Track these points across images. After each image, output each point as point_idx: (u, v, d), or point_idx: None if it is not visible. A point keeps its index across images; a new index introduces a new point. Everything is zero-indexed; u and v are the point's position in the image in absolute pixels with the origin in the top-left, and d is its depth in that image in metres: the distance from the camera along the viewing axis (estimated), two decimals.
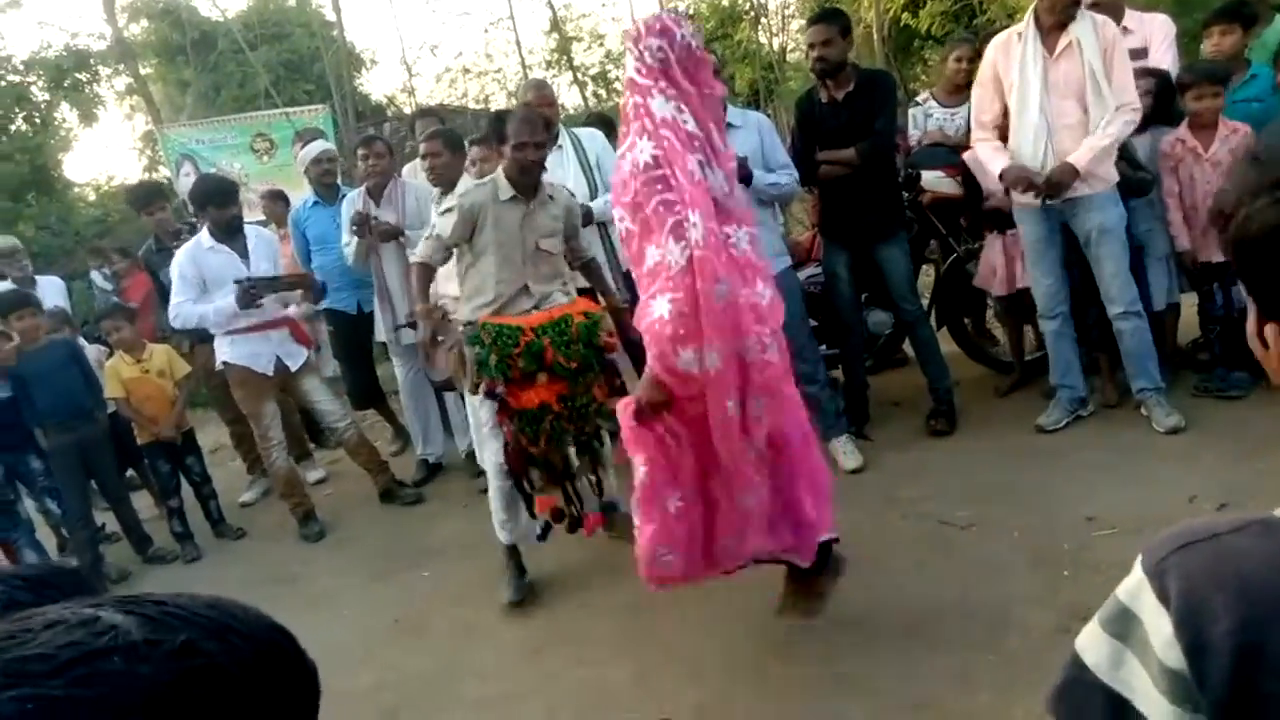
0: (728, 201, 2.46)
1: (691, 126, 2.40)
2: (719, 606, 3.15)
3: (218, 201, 4.59)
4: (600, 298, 3.75)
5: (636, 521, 2.61)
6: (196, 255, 4.55)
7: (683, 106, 2.40)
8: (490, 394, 3.35)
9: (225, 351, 4.64)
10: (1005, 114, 4.00)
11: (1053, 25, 3.80)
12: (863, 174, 4.13)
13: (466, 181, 4.31)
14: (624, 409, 2.54)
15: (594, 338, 3.37)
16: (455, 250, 3.48)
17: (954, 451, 4.18)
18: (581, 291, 3.75)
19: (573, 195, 3.66)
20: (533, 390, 3.33)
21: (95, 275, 6.80)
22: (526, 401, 3.33)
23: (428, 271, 3.57)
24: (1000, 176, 3.94)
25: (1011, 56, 3.91)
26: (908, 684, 2.61)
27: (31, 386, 4.55)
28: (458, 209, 3.37)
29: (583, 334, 3.35)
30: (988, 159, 4.03)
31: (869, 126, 4.10)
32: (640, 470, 2.55)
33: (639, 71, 2.44)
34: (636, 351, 4.49)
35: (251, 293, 4.45)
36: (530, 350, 3.29)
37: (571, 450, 3.48)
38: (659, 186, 2.32)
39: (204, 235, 4.62)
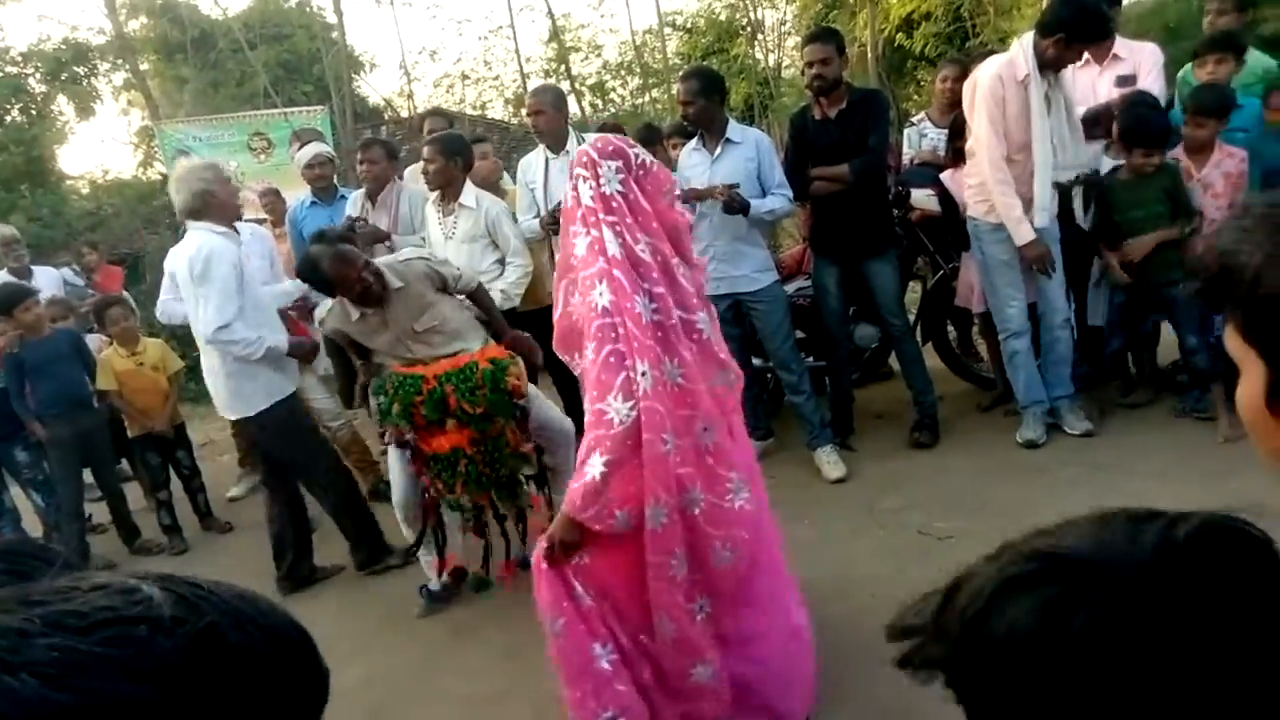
0: (687, 314, 2.38)
1: (646, 255, 2.33)
2: None
3: None
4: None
5: (564, 686, 2.43)
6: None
7: (638, 236, 2.34)
8: (400, 442, 3.38)
9: None
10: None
11: (1050, 67, 3.91)
12: (854, 191, 4.21)
13: (470, 189, 4.38)
14: (536, 552, 2.45)
15: (500, 383, 3.33)
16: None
17: (935, 464, 4.26)
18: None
19: (419, 258, 3.60)
20: (443, 435, 3.32)
21: (66, 271, 6.79)
22: (437, 446, 3.34)
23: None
24: (1026, 248, 4.01)
25: (1014, 93, 3.95)
26: (885, 691, 2.67)
27: (33, 377, 4.59)
28: (330, 336, 3.68)
29: (487, 380, 3.31)
30: (1010, 209, 4.01)
31: (861, 144, 4.18)
32: (556, 624, 2.39)
33: (593, 199, 2.36)
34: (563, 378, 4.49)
35: None
36: (432, 398, 3.27)
37: (493, 493, 3.49)
38: (612, 335, 2.26)
39: None
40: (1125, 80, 4.37)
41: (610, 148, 2.42)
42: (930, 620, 0.65)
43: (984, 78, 4.00)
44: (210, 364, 3.95)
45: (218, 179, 3.89)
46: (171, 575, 0.55)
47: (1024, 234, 3.99)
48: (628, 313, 2.25)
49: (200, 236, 3.79)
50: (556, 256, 4.29)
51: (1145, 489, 3.63)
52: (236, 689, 0.51)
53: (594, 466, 2.25)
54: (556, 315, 2.47)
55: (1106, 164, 4.28)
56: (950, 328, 5.12)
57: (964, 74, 4.85)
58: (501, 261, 4.37)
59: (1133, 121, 4.06)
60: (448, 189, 4.33)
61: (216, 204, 3.82)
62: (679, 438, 2.29)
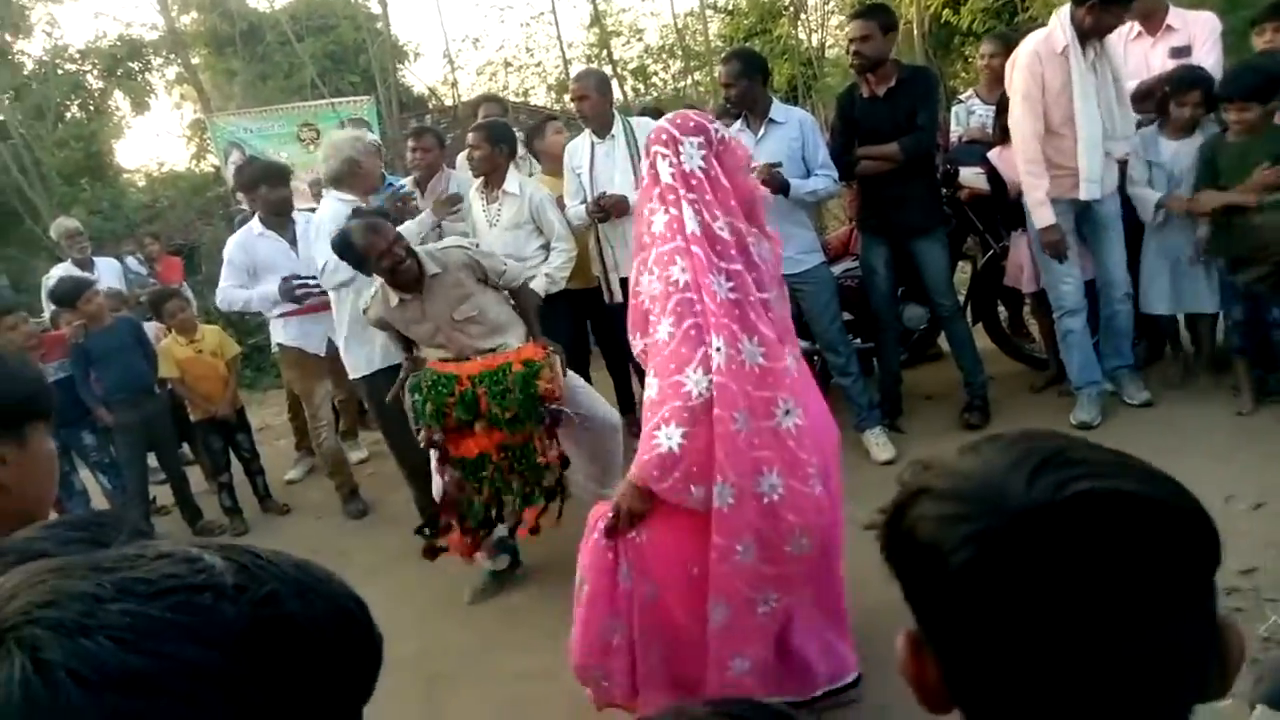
0: (762, 293, 2.38)
1: (725, 233, 2.32)
2: None
3: (271, 181, 4.78)
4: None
5: (575, 625, 2.52)
6: (247, 242, 4.71)
7: (716, 213, 2.33)
8: (430, 443, 3.38)
9: (279, 334, 4.83)
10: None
11: (1090, 36, 3.85)
12: (903, 169, 4.16)
13: (514, 176, 4.41)
14: (594, 518, 2.47)
15: (531, 387, 3.31)
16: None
17: None
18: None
19: (458, 247, 3.60)
20: (471, 440, 3.34)
21: (130, 260, 7.07)
22: (465, 450, 3.36)
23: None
24: (1042, 232, 4.00)
25: (1055, 67, 3.90)
26: None
27: (98, 365, 4.76)
28: (374, 325, 3.65)
29: (518, 383, 3.30)
30: (1034, 190, 4.00)
31: (910, 122, 4.13)
32: (583, 588, 2.46)
33: (673, 176, 2.36)
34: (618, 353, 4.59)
35: (293, 292, 4.60)
36: (464, 399, 3.28)
37: (517, 502, 3.46)
38: (692, 310, 2.26)
39: (255, 222, 4.77)
40: (1179, 52, 4.26)
41: (691, 124, 2.42)
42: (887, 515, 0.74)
43: (1021, 54, 3.99)
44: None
45: (366, 151, 4.13)
46: (232, 545, 0.57)
47: (1042, 218, 3.97)
48: (705, 289, 2.25)
49: (329, 204, 4.07)
50: (603, 239, 4.40)
51: (1203, 470, 3.56)
52: (296, 654, 0.53)
53: (670, 438, 2.24)
54: (639, 288, 2.44)
55: (1164, 146, 4.13)
56: (1001, 307, 5.05)
57: (1007, 50, 4.77)
58: (546, 247, 4.40)
59: (1234, 73, 3.93)
60: (492, 176, 4.36)
61: (360, 174, 4.09)
62: (755, 419, 2.27)
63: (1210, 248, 4.01)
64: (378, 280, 3.51)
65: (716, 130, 2.43)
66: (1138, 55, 4.37)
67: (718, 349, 2.23)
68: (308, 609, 0.54)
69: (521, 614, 3.59)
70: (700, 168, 2.36)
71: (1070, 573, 0.60)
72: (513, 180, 4.37)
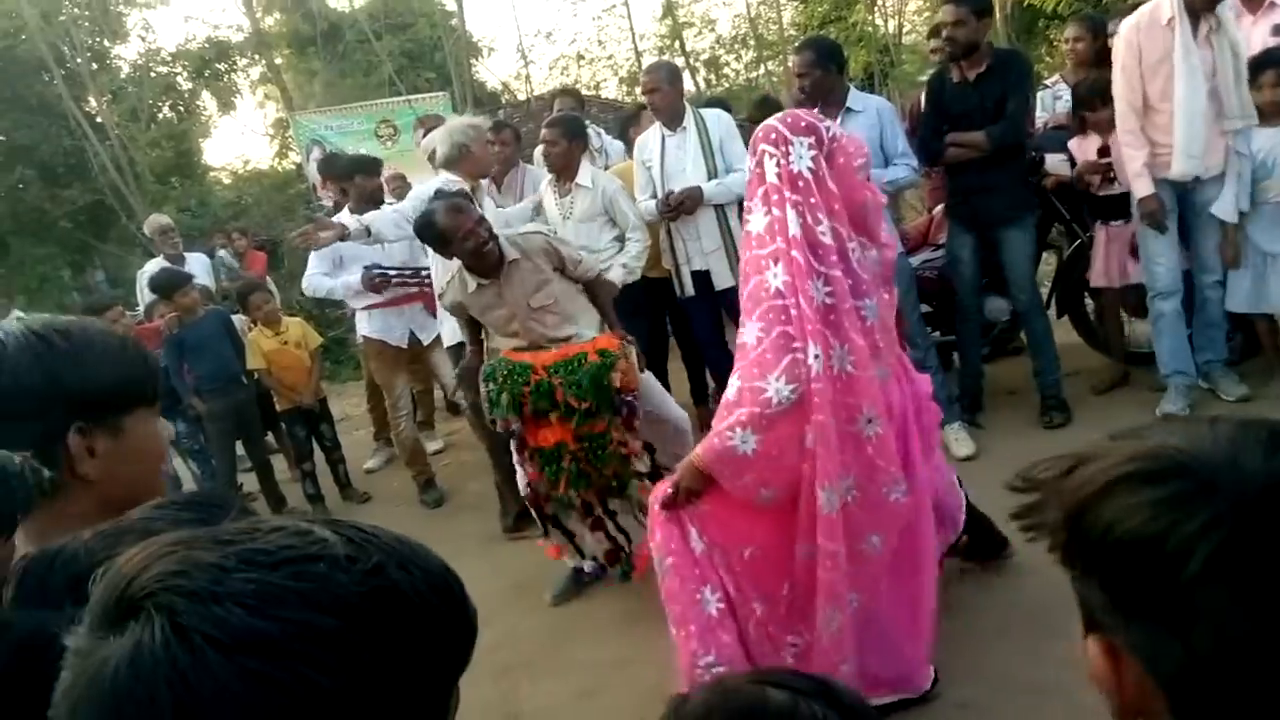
0: (857, 300, 2.34)
1: (827, 237, 2.29)
2: None
3: (366, 171, 4.99)
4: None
5: (671, 626, 2.47)
6: None
7: (819, 216, 2.29)
8: (507, 431, 3.35)
9: (363, 326, 4.98)
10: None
11: (1205, 6, 3.70)
12: (991, 157, 4.05)
13: (586, 168, 4.43)
14: (655, 494, 2.50)
15: (604, 378, 3.24)
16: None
17: (1069, 441, 4.03)
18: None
19: (538, 232, 3.60)
20: (548, 429, 3.29)
21: (222, 254, 7.42)
22: (543, 440, 3.31)
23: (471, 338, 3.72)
24: (1141, 201, 3.91)
25: (1155, 38, 3.79)
26: (1016, 665, 2.60)
27: (191, 355, 4.96)
28: (450, 311, 3.63)
29: (591, 374, 3.24)
30: (1132, 160, 3.92)
31: (1000, 109, 4.01)
32: (665, 563, 2.45)
33: (779, 176, 2.33)
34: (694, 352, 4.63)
35: (375, 281, 4.74)
36: (540, 389, 3.23)
37: (588, 492, 3.42)
38: (783, 316, 2.26)
39: (344, 213, 4.90)
40: None
41: (803, 124, 2.38)
42: (1050, 483, 0.67)
43: (1123, 26, 3.92)
44: None
45: (477, 138, 4.22)
46: (337, 519, 0.60)
47: (1140, 187, 3.91)
48: (802, 293, 2.24)
49: (437, 181, 4.16)
50: (674, 233, 4.39)
51: None
52: (403, 621, 0.56)
53: (746, 442, 2.26)
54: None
55: (1254, 134, 3.86)
56: (1088, 299, 4.88)
57: (1093, 33, 4.61)
58: (619, 239, 4.41)
59: None
60: (565, 170, 4.39)
61: (470, 158, 4.18)
62: (840, 424, 2.28)
63: None
64: (454, 264, 3.53)
65: (829, 130, 2.39)
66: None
67: (815, 356, 2.23)
68: (411, 579, 0.57)
69: (594, 604, 3.61)
70: (809, 169, 2.33)
71: None
72: (585, 173, 4.39)
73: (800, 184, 2.31)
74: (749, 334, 2.29)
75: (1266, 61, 3.81)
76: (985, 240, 4.25)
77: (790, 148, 2.33)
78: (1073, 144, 4.32)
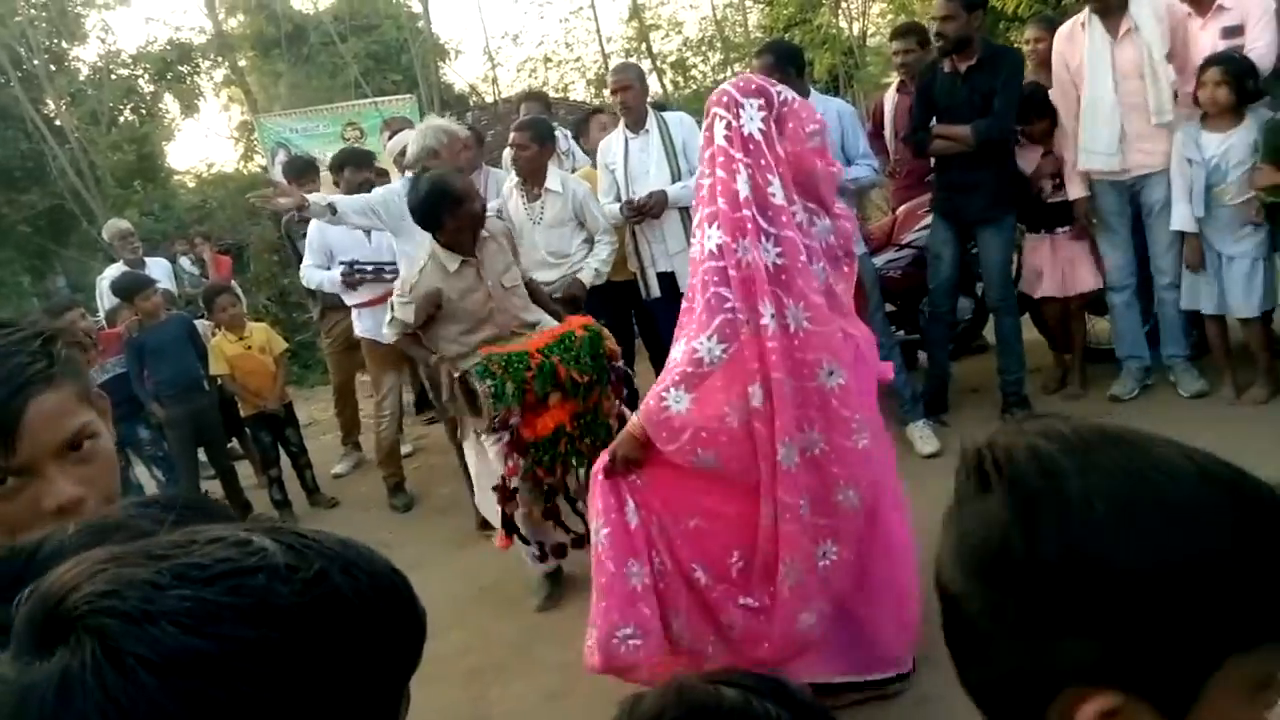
0: (813, 262, 2.37)
1: (778, 198, 2.31)
2: None
3: (355, 164, 5.03)
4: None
5: (594, 595, 2.49)
6: (323, 226, 4.84)
7: (769, 178, 2.31)
8: (504, 425, 3.24)
9: (358, 324, 4.99)
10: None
11: (1113, 8, 3.93)
12: (977, 154, 4.08)
13: (554, 172, 4.43)
14: (596, 468, 2.52)
15: (599, 347, 3.35)
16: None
17: None
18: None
19: (497, 216, 3.72)
20: (546, 415, 3.29)
21: (183, 260, 7.32)
22: (541, 429, 3.28)
23: (413, 339, 3.62)
24: (1074, 203, 4.19)
25: (1076, 43, 4.05)
26: None
27: (151, 359, 4.89)
28: (415, 301, 3.43)
29: (586, 345, 3.32)
30: (1067, 166, 4.21)
31: (988, 103, 4.04)
32: (600, 532, 2.46)
33: (727, 139, 2.34)
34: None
35: (351, 278, 4.74)
36: (543, 371, 3.22)
37: (581, 472, 3.40)
38: (716, 278, 2.30)
39: (313, 196, 4.87)
40: (1231, 32, 4.13)
41: (753, 86, 2.40)
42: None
43: (1055, 39, 4.22)
44: None
45: (449, 145, 4.12)
46: (279, 525, 0.59)
47: (1074, 190, 4.18)
48: (755, 253, 2.26)
49: (404, 180, 4.18)
50: (639, 235, 4.40)
51: (1259, 451, 3.46)
52: (347, 628, 0.54)
53: (679, 401, 2.30)
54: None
55: (1205, 140, 3.92)
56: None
57: (1052, 33, 4.69)
58: (589, 241, 4.42)
59: None
60: (534, 174, 4.38)
61: (438, 164, 4.07)
62: (799, 381, 2.30)
63: (1273, 238, 3.87)
64: (422, 255, 3.50)
65: (780, 94, 2.40)
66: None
67: (772, 315, 2.26)
68: (356, 584, 0.56)
69: (564, 606, 3.61)
70: (760, 130, 2.34)
71: None
72: (554, 177, 4.38)
73: (751, 146, 2.33)
74: (690, 296, 2.34)
75: (1210, 61, 3.88)
76: (964, 238, 4.32)
77: (741, 110, 2.35)
78: (1018, 155, 4.36)
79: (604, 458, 2.50)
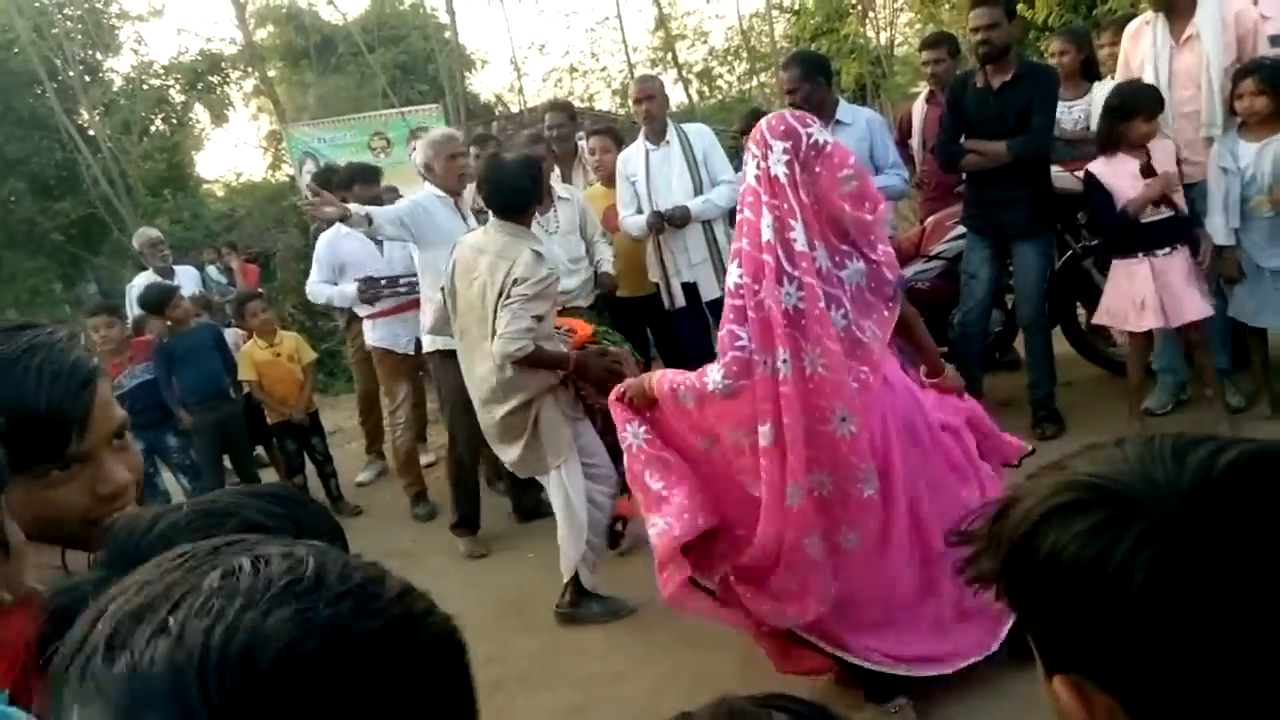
0: (834, 309, 2.41)
1: (800, 243, 2.33)
2: None
3: (364, 180, 5.02)
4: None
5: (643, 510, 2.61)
6: (334, 241, 4.88)
7: (792, 221, 2.34)
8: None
9: (369, 334, 4.99)
10: None
11: (1180, 11, 3.78)
12: (1011, 168, 4.00)
13: (557, 181, 4.48)
14: (612, 394, 2.69)
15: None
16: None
17: (1065, 451, 4.06)
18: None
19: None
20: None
21: (210, 269, 7.39)
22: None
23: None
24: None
25: (1139, 42, 3.95)
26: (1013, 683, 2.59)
27: (179, 367, 4.93)
28: (550, 295, 3.29)
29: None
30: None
31: (1021, 121, 3.98)
32: (639, 431, 2.60)
33: (758, 179, 2.40)
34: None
35: (368, 291, 4.75)
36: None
37: None
38: (732, 316, 2.41)
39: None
40: (1278, 40, 4.06)
41: (781, 128, 2.42)
42: (985, 533, 0.69)
43: (1124, 34, 4.14)
44: None
45: (436, 156, 4.25)
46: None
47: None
48: (771, 298, 2.33)
49: (426, 189, 4.29)
50: (663, 246, 4.40)
51: None
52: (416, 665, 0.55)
53: (686, 399, 2.49)
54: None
55: (1242, 149, 3.78)
56: (1080, 309, 4.88)
57: (1078, 45, 4.65)
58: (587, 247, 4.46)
59: None
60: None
61: (433, 176, 4.26)
62: (812, 424, 2.36)
63: None
64: (510, 247, 3.25)
65: (809, 136, 2.41)
66: None
67: (784, 360, 2.32)
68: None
69: (586, 622, 3.58)
70: (784, 173, 2.36)
71: (1261, 544, 0.56)
72: (561, 186, 4.45)
73: (775, 188, 2.37)
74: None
75: (1248, 70, 3.77)
76: (1002, 255, 4.24)
77: (769, 150, 2.38)
78: (1098, 165, 3.89)
79: (617, 390, 2.65)
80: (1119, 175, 3.83)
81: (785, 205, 2.34)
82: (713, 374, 2.41)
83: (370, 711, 0.50)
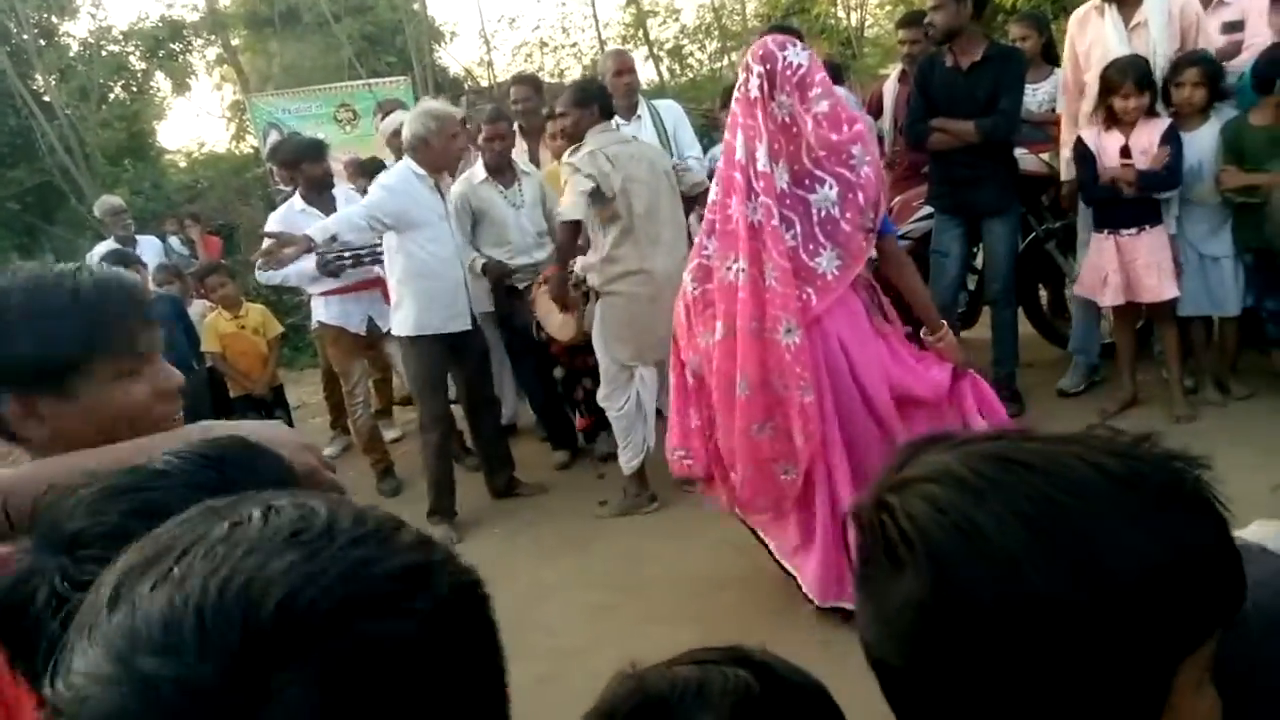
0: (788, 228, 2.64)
1: (762, 163, 2.54)
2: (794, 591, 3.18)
3: (311, 157, 4.84)
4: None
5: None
6: (288, 217, 4.75)
7: (758, 142, 2.54)
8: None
9: (320, 312, 4.88)
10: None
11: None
12: (982, 147, 4.06)
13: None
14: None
15: None
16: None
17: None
18: None
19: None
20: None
21: (172, 240, 7.23)
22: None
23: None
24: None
25: (1086, 27, 4.03)
26: None
27: None
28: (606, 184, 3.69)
29: None
30: (1063, 144, 4.22)
31: (988, 103, 4.02)
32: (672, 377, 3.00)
33: (738, 101, 2.61)
34: None
35: (331, 265, 4.61)
36: None
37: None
38: (705, 229, 2.75)
39: (296, 198, 4.82)
40: (1232, 27, 4.13)
41: (760, 51, 2.58)
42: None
43: (1070, 20, 4.26)
44: None
45: (439, 131, 3.97)
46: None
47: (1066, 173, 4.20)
48: (739, 210, 2.56)
49: (399, 167, 4.13)
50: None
51: (1249, 458, 3.47)
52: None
53: (686, 280, 2.87)
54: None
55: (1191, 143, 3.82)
56: (1042, 290, 4.96)
57: (1038, 30, 4.71)
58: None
59: (1269, 60, 3.64)
60: (507, 164, 4.44)
61: (427, 151, 3.98)
62: (764, 329, 2.61)
63: (1236, 237, 3.87)
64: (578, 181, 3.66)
65: (785, 58, 2.55)
66: None
67: (742, 269, 2.57)
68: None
69: (553, 593, 3.61)
70: (756, 96, 2.55)
71: None
72: (522, 161, 4.55)
73: (749, 109, 2.57)
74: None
75: (1188, 60, 3.81)
76: (972, 233, 4.29)
77: (750, 73, 2.57)
78: (1089, 134, 3.95)
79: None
80: (1105, 149, 3.89)
81: (752, 124, 2.53)
82: (686, 278, 2.81)
83: (381, 660, 0.49)
